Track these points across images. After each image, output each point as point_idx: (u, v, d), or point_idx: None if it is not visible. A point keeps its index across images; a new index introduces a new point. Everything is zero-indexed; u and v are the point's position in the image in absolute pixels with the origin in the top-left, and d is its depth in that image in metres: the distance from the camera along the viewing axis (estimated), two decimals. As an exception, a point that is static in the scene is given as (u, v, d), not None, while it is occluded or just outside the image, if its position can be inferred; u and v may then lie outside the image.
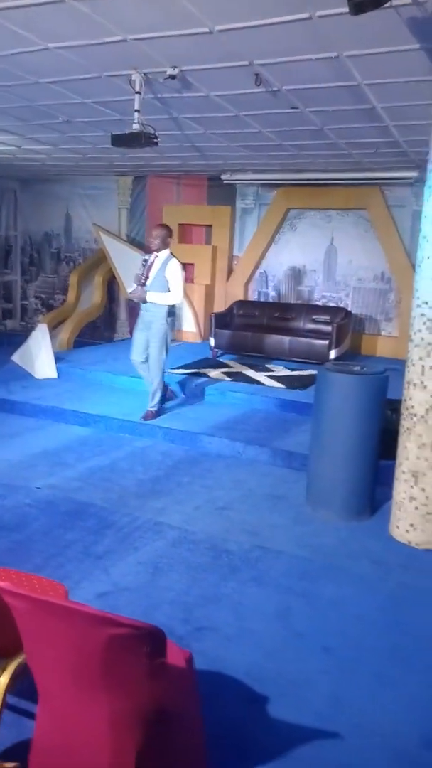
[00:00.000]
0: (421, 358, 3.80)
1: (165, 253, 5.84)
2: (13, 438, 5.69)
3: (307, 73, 4.05)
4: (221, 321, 8.42)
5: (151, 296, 5.74)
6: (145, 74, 4.23)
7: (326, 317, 8.40)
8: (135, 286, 5.79)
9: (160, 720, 1.84)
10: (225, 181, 9.11)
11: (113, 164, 8.63)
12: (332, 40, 3.49)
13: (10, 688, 2.06)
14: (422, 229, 3.78)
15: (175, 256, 5.88)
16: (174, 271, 5.76)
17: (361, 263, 8.85)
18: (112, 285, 10.29)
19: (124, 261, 9.20)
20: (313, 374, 6.06)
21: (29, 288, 11.67)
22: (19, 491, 4.49)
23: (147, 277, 5.77)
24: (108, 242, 9.74)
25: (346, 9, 2.68)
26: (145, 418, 5.94)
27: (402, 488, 3.97)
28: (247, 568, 3.57)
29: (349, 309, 8.71)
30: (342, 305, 8.89)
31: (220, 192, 9.45)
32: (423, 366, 3.79)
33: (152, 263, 5.82)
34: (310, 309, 8.77)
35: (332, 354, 7.66)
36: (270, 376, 7.33)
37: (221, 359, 8.20)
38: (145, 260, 5.88)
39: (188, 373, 7.22)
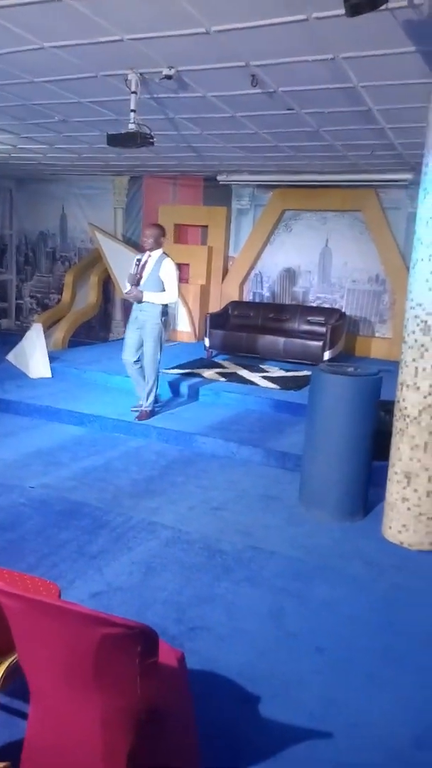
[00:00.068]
0: (414, 360, 3.82)
1: (158, 252, 5.84)
2: (8, 437, 5.68)
3: (304, 75, 4.06)
4: (216, 321, 8.43)
5: (147, 296, 5.74)
6: (141, 74, 4.23)
7: (321, 318, 8.42)
8: (130, 286, 5.79)
9: (152, 719, 1.84)
10: (221, 182, 9.12)
11: (109, 164, 8.62)
12: (329, 41, 3.50)
13: (3, 687, 2.06)
14: (417, 232, 3.80)
15: (168, 255, 5.88)
16: (168, 271, 5.76)
17: (356, 265, 8.88)
18: (107, 285, 10.28)
19: (120, 261, 9.19)
20: (308, 375, 6.07)
21: (24, 287, 11.65)
22: (13, 490, 4.48)
23: (141, 277, 5.77)
24: (103, 242, 9.73)
25: (342, 11, 2.69)
26: (140, 418, 5.94)
27: (395, 489, 3.98)
28: (240, 569, 3.58)
29: (343, 310, 8.73)
30: (336, 307, 8.91)
31: (216, 193, 9.46)
32: (416, 367, 3.81)
33: (145, 263, 5.82)
34: (305, 310, 8.79)
35: (326, 355, 7.69)
36: (264, 377, 7.34)
37: (216, 359, 8.21)
38: (138, 260, 5.87)
39: (183, 374, 7.22)
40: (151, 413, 6.03)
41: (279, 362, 8.07)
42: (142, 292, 5.73)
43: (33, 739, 1.98)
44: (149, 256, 5.83)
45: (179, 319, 9.40)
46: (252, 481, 4.93)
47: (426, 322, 3.74)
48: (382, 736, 2.40)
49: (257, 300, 9.56)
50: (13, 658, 2.05)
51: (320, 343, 7.76)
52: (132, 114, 4.56)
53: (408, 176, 7.63)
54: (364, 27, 3.11)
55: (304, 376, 7.18)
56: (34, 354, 7.51)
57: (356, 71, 3.96)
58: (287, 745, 2.34)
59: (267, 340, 8.13)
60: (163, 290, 5.77)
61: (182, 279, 8.82)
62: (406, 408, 3.88)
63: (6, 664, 2.06)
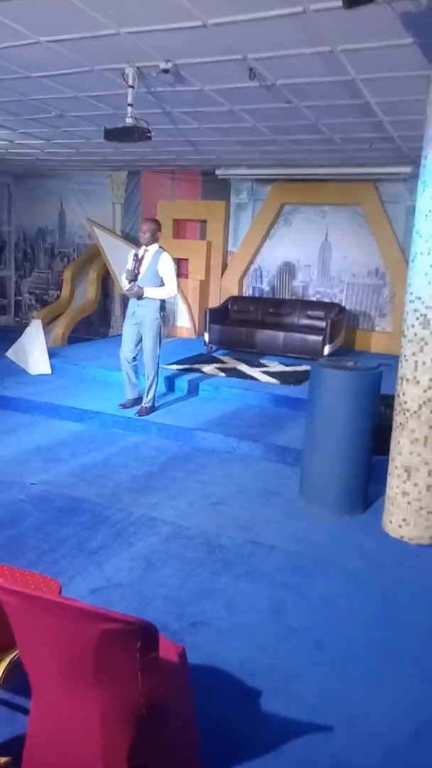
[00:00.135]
0: (414, 354, 3.81)
1: (154, 247, 5.82)
2: (7, 434, 5.67)
3: (301, 68, 4.04)
4: (215, 316, 8.42)
5: (147, 291, 5.73)
6: (138, 68, 4.21)
7: (320, 313, 8.41)
8: (128, 282, 5.77)
9: (152, 715, 1.85)
10: (219, 176, 9.09)
11: (107, 159, 8.60)
12: (326, 34, 3.47)
13: (4, 683, 2.06)
14: (416, 225, 3.78)
15: (165, 250, 5.86)
16: (166, 265, 5.75)
17: (356, 259, 8.86)
18: (106, 281, 10.27)
19: (119, 256, 9.16)
20: (307, 370, 6.06)
21: (23, 284, 11.63)
22: (12, 487, 4.48)
23: (138, 272, 5.76)
24: (102, 237, 9.71)
25: (339, 3, 2.68)
26: (140, 413, 5.94)
27: (395, 483, 3.98)
28: (240, 563, 3.58)
29: (343, 305, 8.73)
30: (336, 301, 8.90)
31: (215, 187, 9.42)
32: (416, 361, 3.80)
33: (142, 258, 5.80)
34: (305, 305, 8.77)
35: (326, 350, 7.68)
36: (264, 372, 7.34)
37: (215, 355, 8.20)
38: (135, 255, 5.85)
39: (182, 369, 7.21)
40: (152, 409, 6.02)
41: (279, 357, 8.06)
42: (142, 288, 5.72)
43: (34, 735, 1.98)
44: (146, 251, 5.81)
45: (179, 314, 9.38)
46: (252, 476, 4.94)
47: (425, 315, 3.74)
48: (381, 730, 2.41)
49: (257, 295, 9.54)
50: (14, 654, 2.06)
51: (320, 338, 7.75)
52: (129, 108, 4.54)
53: (407, 169, 7.60)
54: (361, 19, 3.08)
55: (303, 370, 7.18)
56: (33, 350, 7.50)
57: (354, 64, 3.93)
58: (287, 739, 2.35)
59: (267, 335, 8.12)
60: (162, 285, 5.77)
61: (181, 274, 8.81)
62: (406, 402, 3.87)
63: (7, 660, 2.07)
